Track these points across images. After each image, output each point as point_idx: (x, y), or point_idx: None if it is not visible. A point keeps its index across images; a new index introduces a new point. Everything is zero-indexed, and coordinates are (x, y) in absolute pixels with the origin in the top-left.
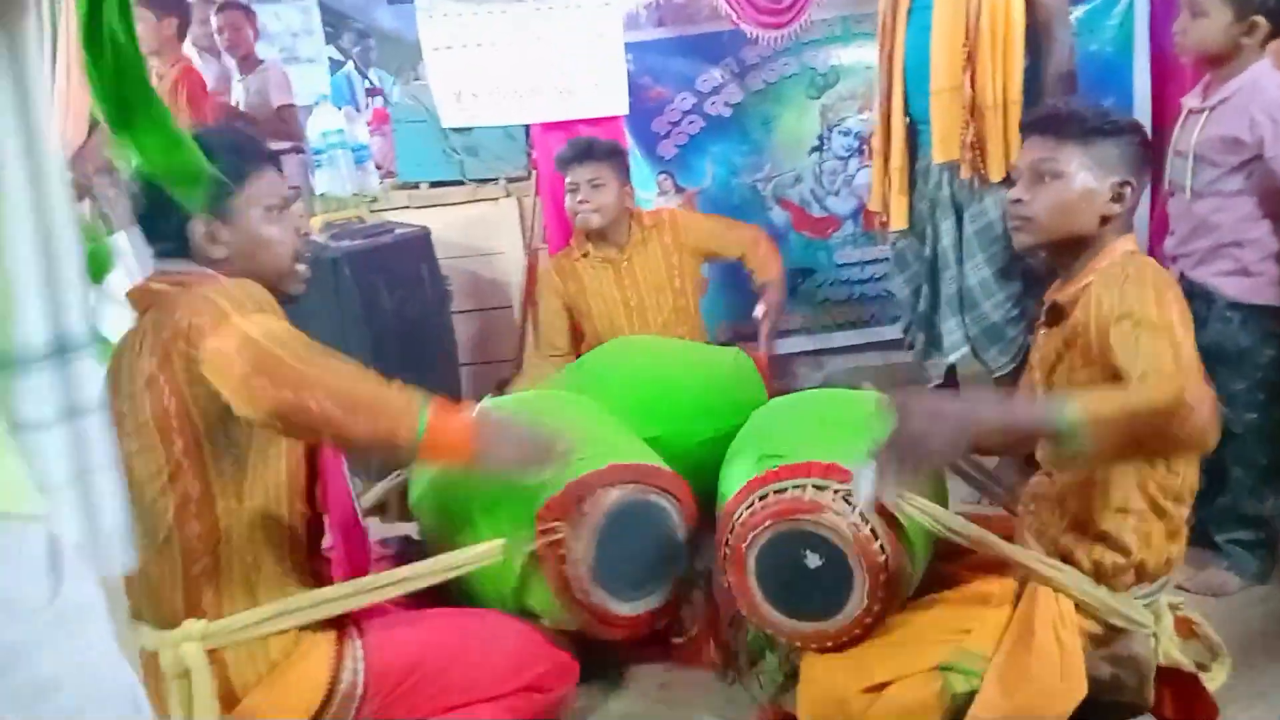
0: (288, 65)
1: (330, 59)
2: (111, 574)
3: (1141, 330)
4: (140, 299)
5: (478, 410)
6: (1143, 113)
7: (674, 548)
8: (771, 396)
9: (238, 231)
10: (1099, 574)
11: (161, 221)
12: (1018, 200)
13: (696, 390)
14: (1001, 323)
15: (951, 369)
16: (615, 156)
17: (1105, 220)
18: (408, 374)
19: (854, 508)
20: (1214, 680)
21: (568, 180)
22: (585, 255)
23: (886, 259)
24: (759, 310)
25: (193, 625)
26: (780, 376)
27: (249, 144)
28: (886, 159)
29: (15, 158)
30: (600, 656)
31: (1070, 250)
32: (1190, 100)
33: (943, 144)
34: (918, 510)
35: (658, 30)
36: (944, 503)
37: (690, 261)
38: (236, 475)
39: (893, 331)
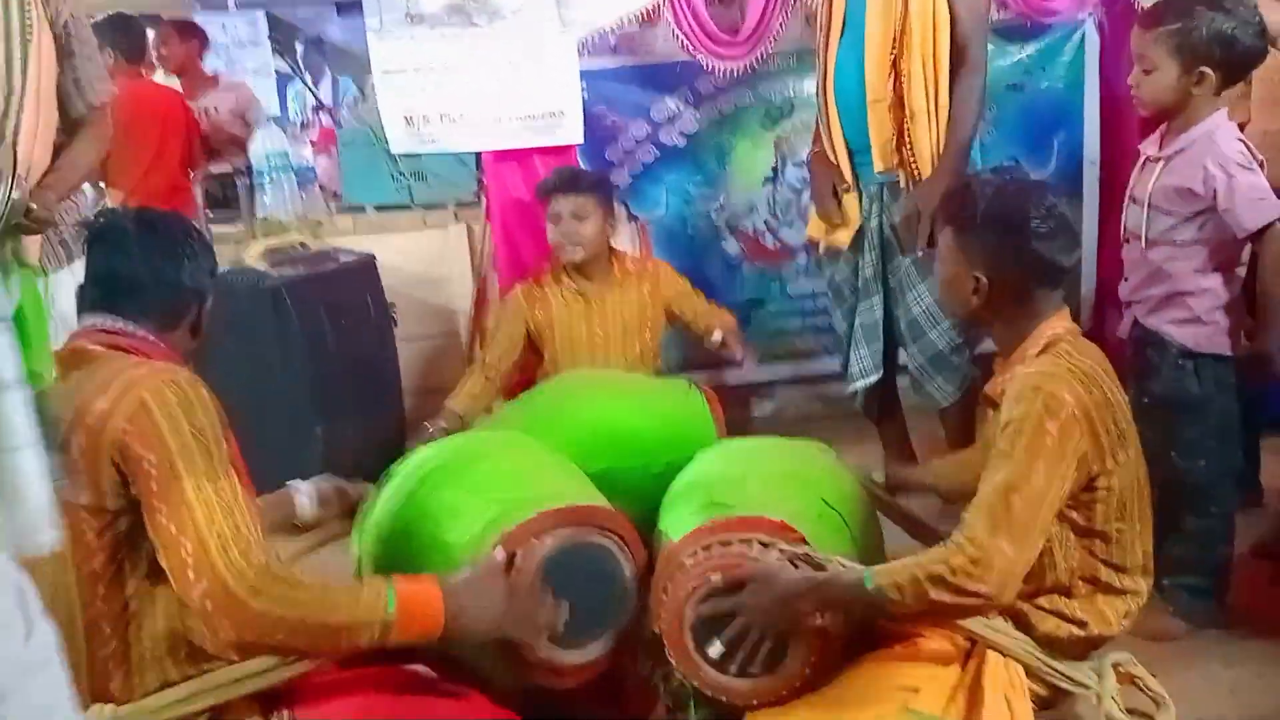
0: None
1: (277, 72)
2: (39, 553)
3: (996, 469)
4: (69, 360)
5: (448, 579)
6: (1092, 149)
7: (621, 587)
8: (723, 427)
9: None
10: (1052, 644)
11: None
12: None
13: (646, 423)
14: (947, 351)
15: (891, 404)
16: (600, 188)
17: (985, 307)
18: (350, 403)
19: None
20: None
21: (550, 210)
22: (559, 283)
23: None
24: (716, 336)
25: (100, 711)
26: (732, 408)
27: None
28: (831, 182)
29: None
30: (550, 712)
31: (988, 327)
32: (1147, 147)
33: (880, 155)
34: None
35: (612, 59)
36: (880, 551)
37: (661, 316)
38: (149, 551)
39: None
